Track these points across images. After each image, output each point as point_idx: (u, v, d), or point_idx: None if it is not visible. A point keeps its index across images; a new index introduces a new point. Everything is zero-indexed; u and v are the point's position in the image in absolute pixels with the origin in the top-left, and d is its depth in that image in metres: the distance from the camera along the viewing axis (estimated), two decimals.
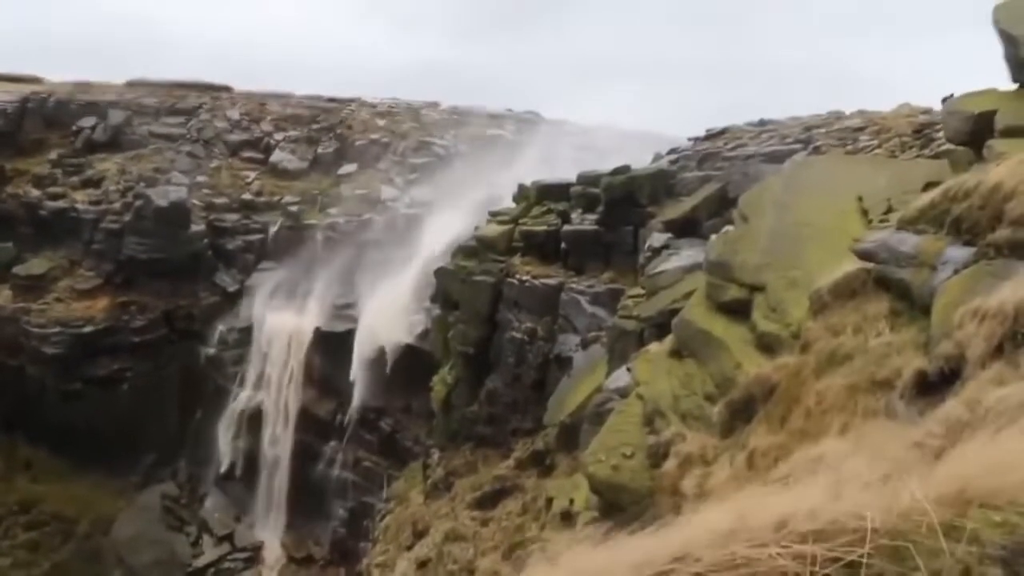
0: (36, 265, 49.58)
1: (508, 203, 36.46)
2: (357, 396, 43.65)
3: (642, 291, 24.01)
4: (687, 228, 26.77)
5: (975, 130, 12.18)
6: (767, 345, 12.17)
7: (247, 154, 55.37)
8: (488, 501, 27.45)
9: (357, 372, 43.42)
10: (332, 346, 45.35)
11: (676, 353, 14.48)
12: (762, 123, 36.42)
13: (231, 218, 51.27)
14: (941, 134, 21.50)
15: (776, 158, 28.90)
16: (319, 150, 55.53)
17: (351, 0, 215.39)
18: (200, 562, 44.17)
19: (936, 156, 20.94)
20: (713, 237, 20.33)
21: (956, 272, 8.31)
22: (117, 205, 50.09)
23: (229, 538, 45.40)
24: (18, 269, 49.23)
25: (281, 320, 47.51)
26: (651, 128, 50.77)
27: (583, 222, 32.14)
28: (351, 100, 62.06)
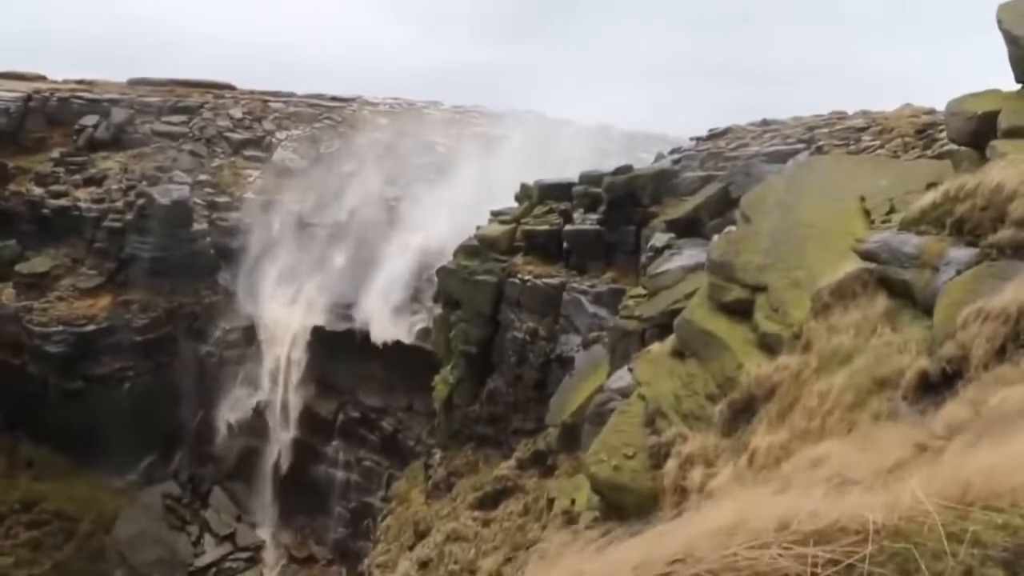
0: (38, 263, 49.62)
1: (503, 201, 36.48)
2: None
3: (644, 291, 23.97)
4: (689, 228, 26.75)
5: (978, 130, 12.15)
6: (769, 345, 12.15)
7: (249, 153, 55.45)
8: (489, 501, 27.44)
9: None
10: (333, 345, 45.38)
11: (678, 353, 14.45)
12: (764, 123, 36.37)
13: (233, 217, 51.31)
14: (943, 134, 21.49)
15: (778, 158, 28.87)
16: (321, 149, 55.57)
17: (380, 3, 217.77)
18: (201, 561, 44.21)
19: (939, 156, 20.90)
20: (715, 237, 20.32)
21: (958, 273, 8.30)
22: (119, 203, 50.13)
23: (231, 537, 45.43)
24: (21, 267, 49.27)
25: (282, 319, 47.56)
26: (658, 130, 50.88)
27: (585, 222, 32.12)
28: (353, 99, 62.17)
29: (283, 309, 47.97)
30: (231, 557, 44.67)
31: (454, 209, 42.62)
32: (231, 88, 62.46)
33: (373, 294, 45.56)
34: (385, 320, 43.89)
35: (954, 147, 13.87)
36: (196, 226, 49.66)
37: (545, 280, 31.51)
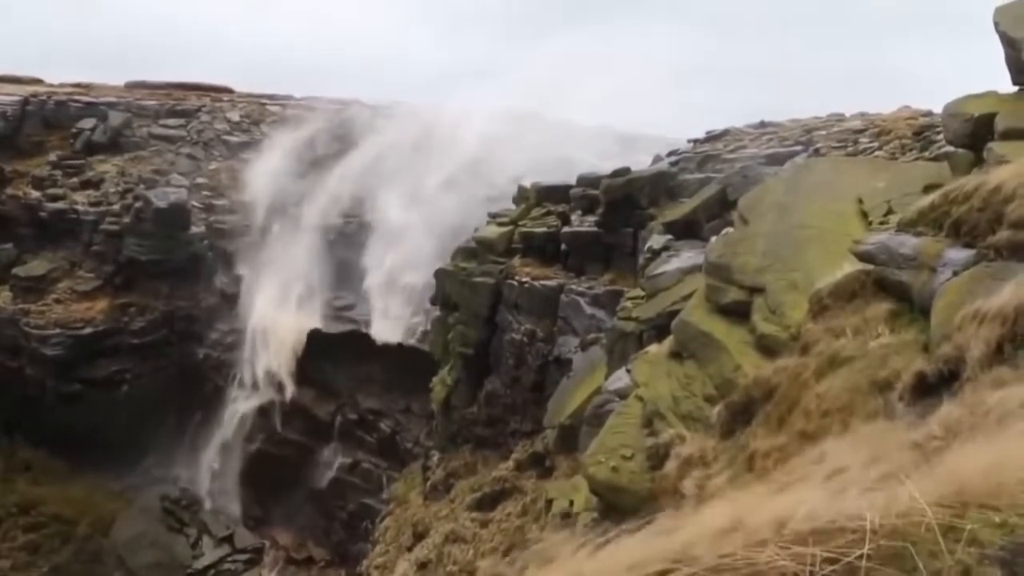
0: (36, 266, 49.60)
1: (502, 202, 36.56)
2: None
3: (642, 293, 23.97)
4: (687, 230, 26.75)
5: (975, 132, 12.19)
6: (767, 347, 12.16)
7: (247, 156, 55.44)
8: (488, 503, 27.44)
9: None
10: (331, 347, 45.36)
11: (676, 355, 14.45)
12: (762, 125, 36.40)
13: (230, 220, 51.31)
14: (941, 136, 21.51)
15: (776, 160, 28.87)
16: (318, 151, 55.56)
17: (400, 4, 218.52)
18: (200, 563, 44.12)
19: (936, 158, 20.93)
20: (713, 239, 20.34)
21: (956, 274, 8.30)
22: (117, 207, 50.12)
23: (229, 540, 45.36)
24: (18, 270, 49.26)
25: (280, 321, 47.54)
26: (657, 131, 50.88)
27: (583, 224, 32.13)
28: (351, 101, 62.14)
29: (281, 312, 47.94)
30: (230, 559, 44.57)
31: (451, 212, 42.66)
32: (228, 91, 62.50)
33: (371, 296, 45.58)
34: (384, 322, 43.90)
35: (951, 149, 13.88)
36: (193, 229, 49.66)
37: (543, 282, 31.50)
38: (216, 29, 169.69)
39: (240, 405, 48.14)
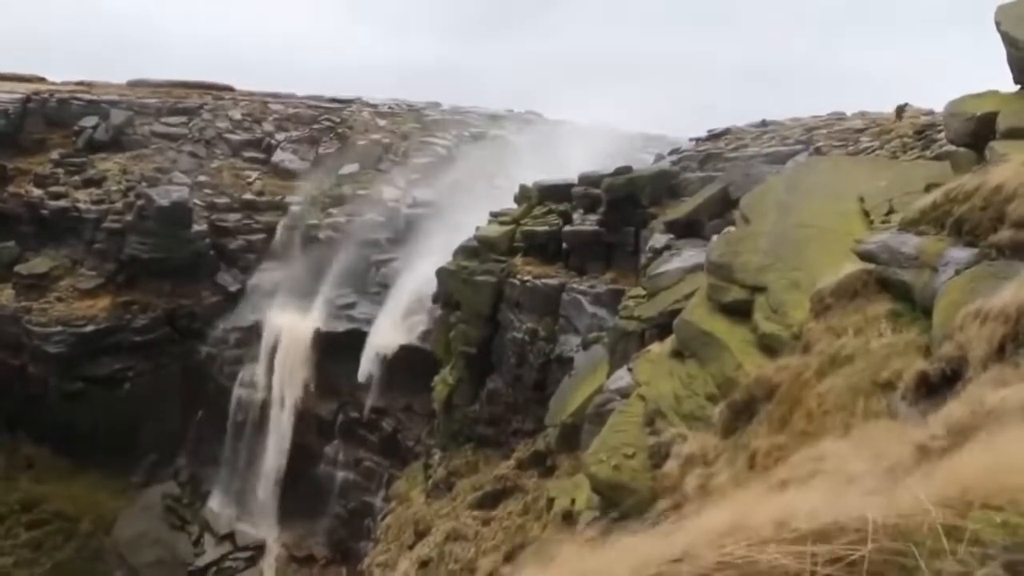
0: (38, 264, 49.66)
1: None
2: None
3: (643, 292, 23.96)
4: (688, 229, 26.73)
5: (977, 132, 12.18)
6: (768, 346, 12.16)
7: (249, 154, 55.48)
8: (489, 501, 27.44)
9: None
10: (333, 346, 45.38)
11: (677, 354, 14.46)
12: (764, 124, 36.42)
13: (233, 218, 51.37)
14: (942, 135, 21.51)
15: (777, 159, 28.89)
16: (321, 150, 55.61)
17: (340, 4, 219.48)
18: (201, 561, 44.20)
19: (938, 157, 20.92)
20: (714, 238, 20.33)
21: (957, 273, 8.29)
22: (119, 205, 50.16)
23: (231, 537, 45.42)
24: (20, 268, 49.31)
25: (282, 320, 47.53)
26: (646, 129, 50.93)
27: (584, 223, 32.13)
28: (352, 100, 62.17)
29: (283, 311, 47.94)
30: (231, 557, 44.67)
31: (456, 212, 42.64)
32: (230, 89, 62.51)
33: (372, 299, 45.54)
34: (385, 326, 43.82)
35: (953, 148, 13.88)
36: (195, 227, 49.67)
37: (544, 281, 31.51)
38: (216, 29, 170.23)
39: (242, 403, 48.11)
